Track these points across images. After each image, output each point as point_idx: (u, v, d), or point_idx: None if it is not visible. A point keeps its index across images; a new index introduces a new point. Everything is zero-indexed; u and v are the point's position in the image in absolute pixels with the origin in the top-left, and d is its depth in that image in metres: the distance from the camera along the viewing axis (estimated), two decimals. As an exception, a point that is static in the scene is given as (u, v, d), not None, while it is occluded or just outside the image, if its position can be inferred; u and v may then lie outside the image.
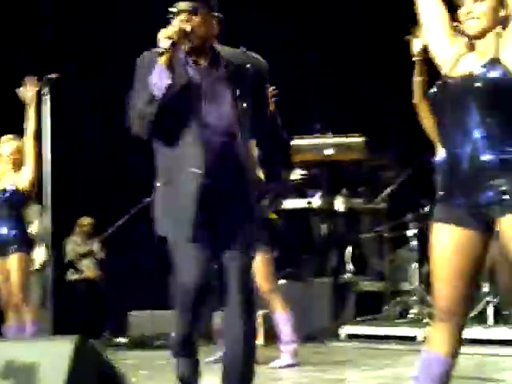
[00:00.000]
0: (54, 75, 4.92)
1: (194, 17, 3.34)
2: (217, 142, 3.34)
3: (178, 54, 3.33)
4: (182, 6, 3.35)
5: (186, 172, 3.29)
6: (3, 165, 5.87)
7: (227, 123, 3.37)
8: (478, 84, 2.74)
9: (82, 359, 3.65)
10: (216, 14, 3.46)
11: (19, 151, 5.80)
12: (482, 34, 2.84)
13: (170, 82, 3.23)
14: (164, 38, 3.26)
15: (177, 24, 3.30)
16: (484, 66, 2.77)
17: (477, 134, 2.73)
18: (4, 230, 5.76)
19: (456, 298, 2.78)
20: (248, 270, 3.42)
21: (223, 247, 3.36)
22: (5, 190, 5.78)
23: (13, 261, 5.72)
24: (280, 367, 5.39)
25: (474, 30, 2.84)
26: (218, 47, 3.48)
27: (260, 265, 5.45)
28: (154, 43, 3.39)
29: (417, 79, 4.25)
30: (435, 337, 2.82)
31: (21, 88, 5.66)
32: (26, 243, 5.77)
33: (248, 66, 3.44)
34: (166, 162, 3.39)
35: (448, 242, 2.77)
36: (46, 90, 4.92)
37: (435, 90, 2.92)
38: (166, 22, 3.37)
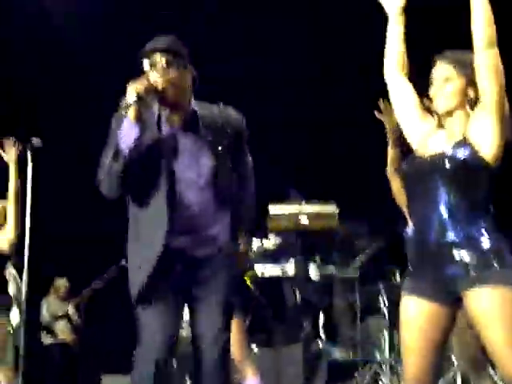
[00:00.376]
0: (36, 140, 5.00)
1: (168, 71, 3.24)
2: (193, 200, 3.25)
3: (147, 108, 3.23)
4: (157, 58, 3.25)
5: (153, 230, 3.19)
6: None
7: (205, 181, 3.28)
8: (447, 164, 2.87)
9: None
10: (191, 69, 3.36)
11: (1, 212, 5.87)
12: (450, 114, 2.99)
13: (137, 135, 3.13)
14: (131, 91, 3.16)
15: (145, 78, 3.20)
16: (453, 147, 2.90)
17: (444, 210, 2.85)
18: None
19: (425, 367, 2.87)
20: (224, 349, 3.29)
21: (196, 317, 3.27)
22: None
23: None
24: None
25: (443, 110, 2.99)
26: (194, 104, 3.38)
27: (233, 330, 5.47)
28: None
29: (390, 152, 4.36)
30: (403, 407, 2.90)
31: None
32: (1, 304, 5.73)
33: (225, 125, 3.37)
34: (135, 218, 3.29)
35: (416, 314, 2.87)
36: (28, 154, 5.00)
37: (406, 166, 3.05)
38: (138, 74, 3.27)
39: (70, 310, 9.04)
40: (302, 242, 7.87)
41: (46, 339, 8.92)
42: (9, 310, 5.96)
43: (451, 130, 2.97)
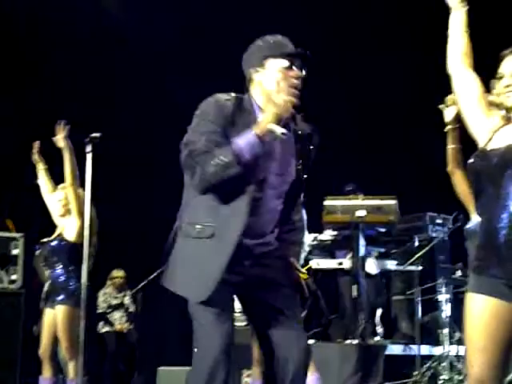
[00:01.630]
0: (97, 135, 5.05)
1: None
2: (272, 206, 3.22)
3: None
4: (297, 63, 3.15)
5: (228, 230, 3.09)
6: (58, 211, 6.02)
7: (285, 189, 3.25)
8: None
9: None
10: None
11: (65, 197, 5.92)
12: (518, 107, 2.90)
13: (259, 152, 3.04)
14: (277, 113, 3.02)
15: (284, 99, 3.06)
16: None
17: (515, 205, 2.76)
18: (55, 276, 5.81)
19: (489, 367, 2.80)
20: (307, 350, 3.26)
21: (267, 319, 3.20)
22: (56, 237, 5.88)
23: (59, 313, 5.74)
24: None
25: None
26: None
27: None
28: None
29: (450, 147, 4.29)
30: (469, 406, 2.83)
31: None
32: (73, 294, 5.71)
33: (313, 136, 3.34)
34: (209, 215, 3.14)
35: (483, 312, 2.80)
36: (89, 147, 5.06)
37: (473, 160, 2.95)
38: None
39: (127, 299, 9.14)
40: (360, 236, 7.79)
41: (102, 328, 9.03)
42: None
43: (521, 123, 2.89)
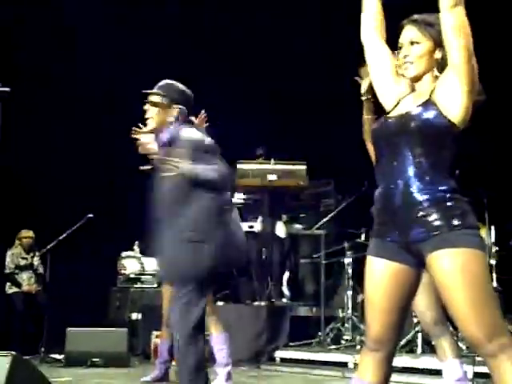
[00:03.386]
0: (5, 89, 4.92)
1: None
2: None
3: None
4: None
5: None
6: None
7: None
8: (412, 124, 2.81)
9: (17, 376, 3.66)
10: None
11: None
12: (417, 77, 2.95)
13: None
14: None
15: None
16: (418, 107, 2.85)
17: (410, 172, 2.81)
18: None
19: (387, 328, 2.88)
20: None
21: None
22: None
23: None
24: (215, 389, 5.42)
25: (410, 73, 2.95)
26: None
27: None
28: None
29: (365, 117, 4.35)
30: (365, 365, 2.90)
31: None
32: None
33: None
34: None
35: (381, 275, 2.87)
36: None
37: (376, 126, 3.02)
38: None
39: (35, 260, 9.02)
40: (270, 200, 7.91)
41: (10, 289, 8.89)
42: None
43: (420, 92, 2.94)
